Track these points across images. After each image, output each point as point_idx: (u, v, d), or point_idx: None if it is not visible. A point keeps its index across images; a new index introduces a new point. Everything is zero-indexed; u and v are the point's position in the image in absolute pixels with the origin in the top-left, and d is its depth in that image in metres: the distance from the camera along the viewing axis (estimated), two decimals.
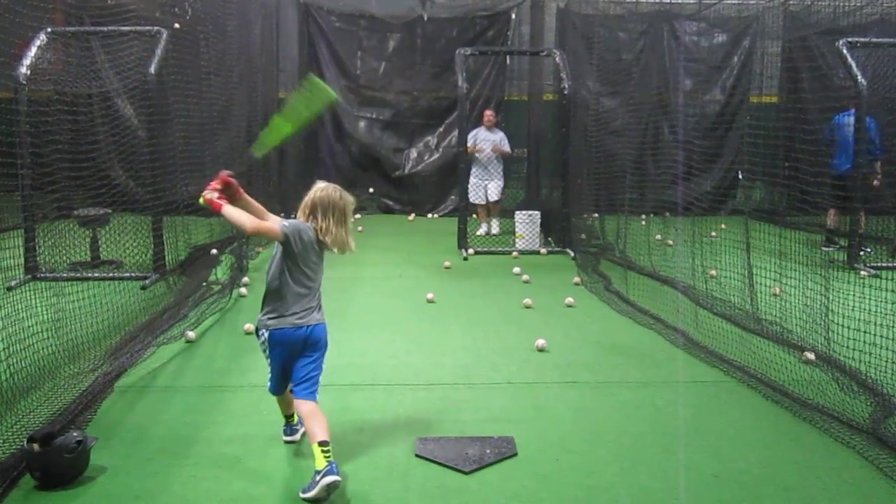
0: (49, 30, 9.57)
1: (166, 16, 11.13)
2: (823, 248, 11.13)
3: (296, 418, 4.80)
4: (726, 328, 7.18)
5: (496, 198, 13.39)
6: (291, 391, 4.53)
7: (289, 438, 4.82)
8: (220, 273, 9.77)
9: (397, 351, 6.82)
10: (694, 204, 10.97)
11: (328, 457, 4.08)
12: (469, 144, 12.58)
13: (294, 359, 4.41)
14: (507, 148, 13.30)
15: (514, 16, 16.36)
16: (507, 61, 16.43)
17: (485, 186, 13.14)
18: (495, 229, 13.49)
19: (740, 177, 14.75)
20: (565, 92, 11.88)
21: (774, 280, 7.50)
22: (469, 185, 12.69)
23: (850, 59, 10.26)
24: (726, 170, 15.74)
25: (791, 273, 7.41)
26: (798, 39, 13.47)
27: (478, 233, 13.07)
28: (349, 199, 4.48)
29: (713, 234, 10.41)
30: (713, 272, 8.71)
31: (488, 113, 13.53)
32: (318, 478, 4.02)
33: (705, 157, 13.88)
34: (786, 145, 11.51)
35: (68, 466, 4.22)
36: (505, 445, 4.75)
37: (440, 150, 16.53)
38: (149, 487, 4.23)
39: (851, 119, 10.54)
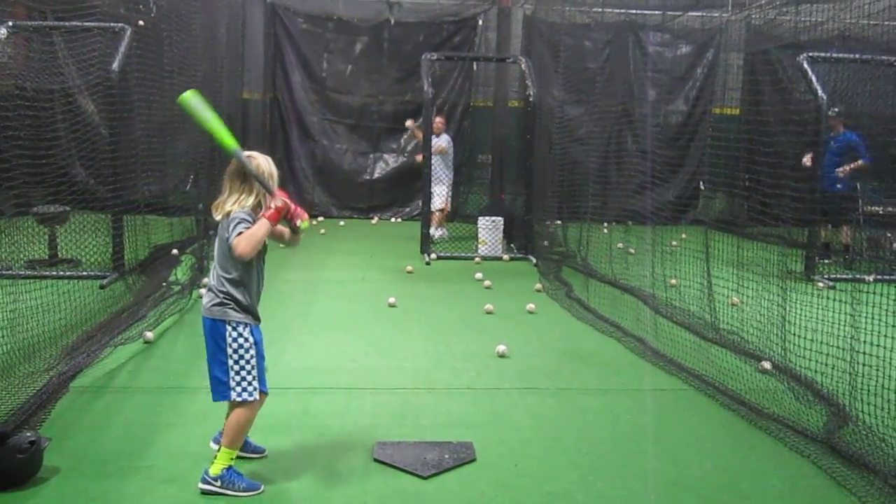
0: (10, 24, 9.44)
1: (131, 13, 11.03)
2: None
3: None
4: (685, 337, 7.25)
5: (439, 206, 13.31)
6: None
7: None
8: (181, 273, 9.69)
9: (358, 354, 6.80)
10: (656, 213, 11.07)
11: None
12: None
13: None
14: (446, 147, 13.26)
15: (481, 22, 16.44)
16: (474, 67, 16.49)
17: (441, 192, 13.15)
18: (438, 233, 13.40)
19: (702, 187, 14.90)
20: (530, 99, 11.95)
21: (733, 290, 7.58)
22: (431, 191, 12.70)
23: (810, 73, 10.41)
24: (688, 180, 15.91)
25: (749, 283, 7.48)
26: (760, 53, 13.65)
27: (434, 235, 13.03)
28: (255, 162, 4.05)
29: (674, 243, 10.51)
30: (673, 281, 8.79)
31: (438, 120, 13.45)
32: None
33: (668, 167, 14.02)
34: (746, 157, 11.64)
35: (21, 467, 4.15)
36: (464, 451, 4.75)
37: (405, 154, 16.53)
38: (103, 490, 4.17)
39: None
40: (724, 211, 13.99)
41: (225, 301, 4.08)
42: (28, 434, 4.28)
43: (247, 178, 4.07)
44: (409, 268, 10.76)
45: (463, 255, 12.02)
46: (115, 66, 9.26)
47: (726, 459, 4.80)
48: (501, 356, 6.83)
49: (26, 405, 5.05)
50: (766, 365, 6.40)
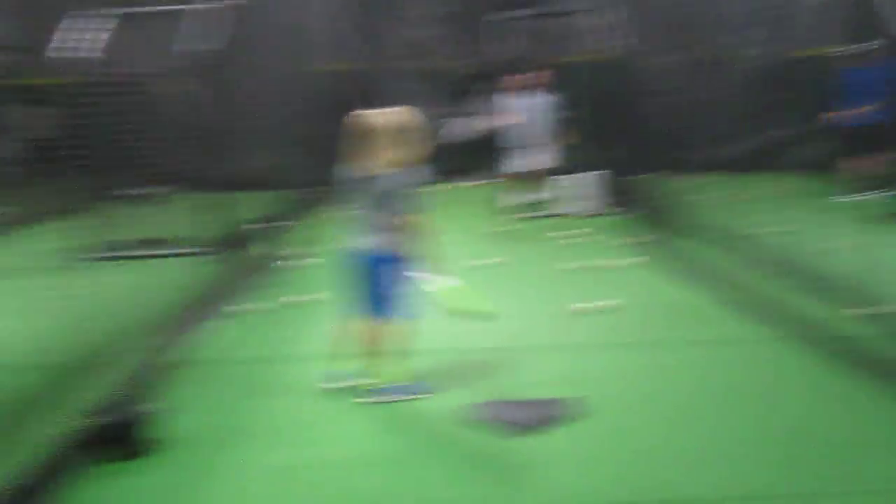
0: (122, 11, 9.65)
1: None
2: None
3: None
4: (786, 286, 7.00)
5: (538, 167, 12.98)
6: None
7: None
8: (274, 246, 9.80)
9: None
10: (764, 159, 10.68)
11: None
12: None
13: None
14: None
15: None
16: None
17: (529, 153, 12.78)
18: (544, 195, 13.11)
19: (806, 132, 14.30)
20: (623, 51, 11.66)
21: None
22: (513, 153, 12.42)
23: None
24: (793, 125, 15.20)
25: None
26: None
27: (524, 200, 12.73)
28: (383, 119, 4.75)
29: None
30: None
31: (526, 77, 13.05)
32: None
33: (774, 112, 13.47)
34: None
35: (140, 437, 4.32)
36: (572, 407, 4.72)
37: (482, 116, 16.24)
38: (224, 460, 4.27)
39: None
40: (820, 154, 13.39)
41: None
42: (147, 405, 4.43)
43: (399, 134, 4.71)
44: (502, 228, 10.69)
45: (559, 212, 11.87)
46: (218, 44, 9.37)
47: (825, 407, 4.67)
48: (600, 311, 6.74)
49: (133, 378, 5.19)
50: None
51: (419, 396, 4.94)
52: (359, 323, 4.94)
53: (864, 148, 11.34)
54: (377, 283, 4.81)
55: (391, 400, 4.88)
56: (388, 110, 4.75)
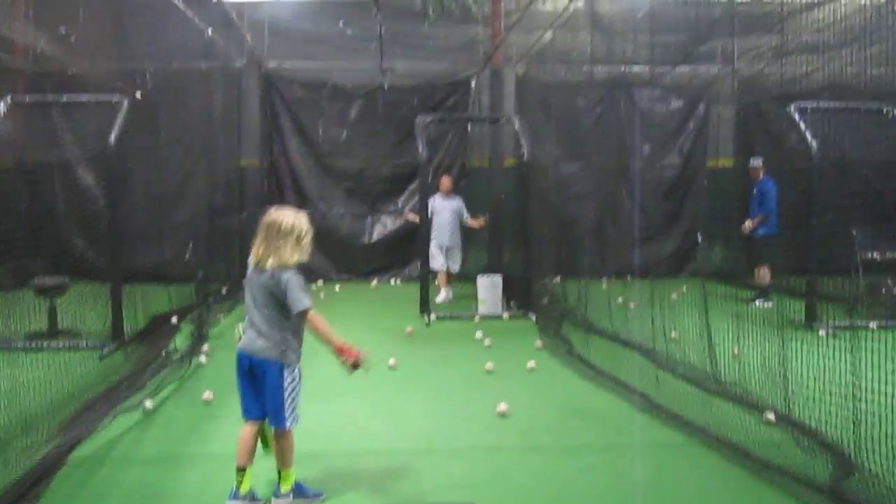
0: (9, 99, 9.55)
1: (127, 86, 11.16)
2: (760, 305, 11.51)
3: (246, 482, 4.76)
4: (688, 390, 7.21)
5: (456, 269, 13.40)
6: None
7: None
8: (180, 341, 9.66)
9: (359, 418, 6.76)
10: (654, 266, 11.10)
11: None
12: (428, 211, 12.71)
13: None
14: (466, 215, 13.35)
15: (473, 84, 16.62)
16: (468, 128, 16.63)
17: (444, 253, 13.14)
18: (450, 296, 13.43)
19: (699, 239, 14.95)
20: (524, 158, 12.03)
21: (734, 341, 7.56)
22: (429, 252, 12.75)
23: (800, 122, 10.51)
24: (686, 232, 15.93)
25: (750, 334, 7.47)
26: (751, 104, 13.78)
27: (437, 299, 13.03)
28: (276, 216, 4.66)
29: (674, 296, 10.51)
30: (674, 334, 8.76)
31: (445, 179, 13.62)
32: None
33: (664, 221, 14.07)
34: (741, 208, 11.77)
35: None
36: None
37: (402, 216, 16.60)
38: None
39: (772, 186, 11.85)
40: (724, 262, 14.01)
41: (283, 347, 4.68)
42: None
43: (287, 235, 4.61)
44: (409, 329, 10.74)
45: (463, 314, 11.99)
46: (112, 138, 9.34)
47: None
48: (503, 415, 6.78)
49: (24, 478, 5.00)
50: (770, 416, 6.35)
51: (313, 501, 4.87)
52: (250, 427, 4.79)
53: (764, 257, 11.99)
54: (263, 388, 4.71)
55: None
56: (285, 209, 4.72)
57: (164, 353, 8.99)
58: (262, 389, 4.70)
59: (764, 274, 12.36)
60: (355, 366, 4.70)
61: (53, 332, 9.87)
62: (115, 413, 6.64)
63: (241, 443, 4.74)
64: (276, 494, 4.78)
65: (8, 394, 6.31)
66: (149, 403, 6.95)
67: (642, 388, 7.36)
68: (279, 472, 4.82)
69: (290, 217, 4.66)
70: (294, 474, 4.84)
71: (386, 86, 16.39)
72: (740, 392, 7.03)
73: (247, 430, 4.76)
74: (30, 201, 9.70)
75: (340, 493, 5.07)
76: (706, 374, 7.57)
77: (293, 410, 4.71)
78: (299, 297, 4.56)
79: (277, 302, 4.61)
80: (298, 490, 4.84)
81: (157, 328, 10.22)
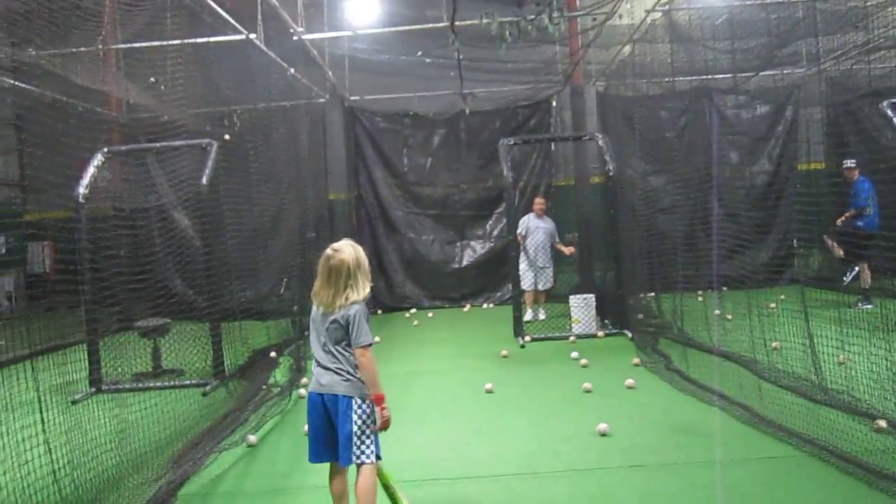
0: (105, 149, 9.91)
1: (216, 128, 11.49)
2: (861, 307, 11.16)
3: None
4: (792, 400, 7.00)
5: (545, 287, 13.40)
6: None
7: None
8: (280, 375, 9.83)
9: (458, 443, 6.76)
10: (750, 276, 10.84)
11: None
12: (519, 232, 12.74)
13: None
14: (556, 237, 13.34)
15: (554, 103, 16.62)
16: (552, 148, 16.61)
17: (534, 274, 13.14)
18: (542, 315, 13.42)
19: (795, 245, 14.57)
20: (610, 174, 11.95)
21: (838, 348, 7.33)
22: (519, 272, 12.75)
23: (895, 119, 10.19)
24: (781, 239, 15.56)
25: (855, 339, 7.23)
26: (841, 104, 13.44)
27: (524, 318, 12.97)
28: (340, 256, 4.55)
29: (772, 305, 10.25)
30: (775, 344, 8.53)
31: (539, 200, 13.64)
32: None
33: (758, 229, 13.76)
34: (837, 210, 11.46)
35: None
36: None
37: (492, 240, 16.63)
38: None
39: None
40: (823, 267, 13.63)
41: (351, 380, 4.57)
42: None
43: (355, 273, 4.56)
44: (504, 352, 10.72)
45: (557, 335, 11.92)
46: (204, 180, 9.60)
47: None
48: (603, 434, 6.70)
49: None
50: (882, 423, 6.13)
51: None
52: (332, 472, 4.76)
53: (864, 255, 11.69)
54: (331, 426, 4.62)
55: None
56: (341, 247, 4.60)
57: (264, 388, 9.16)
58: (335, 424, 4.59)
59: (865, 277, 12.00)
60: (383, 426, 4.61)
61: (158, 371, 10.16)
62: (219, 449, 6.79)
63: (333, 488, 4.75)
64: None
65: (119, 433, 6.52)
66: (252, 438, 7.08)
67: (745, 401, 7.20)
68: None
69: (350, 252, 4.59)
70: None
71: (467, 111, 16.49)
72: (848, 400, 6.80)
73: (332, 475, 4.76)
74: (129, 246, 10.01)
75: None
76: (811, 383, 7.35)
77: (363, 445, 4.54)
78: (365, 332, 4.51)
79: (346, 336, 4.56)
80: None
81: (257, 363, 10.43)
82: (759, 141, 16.02)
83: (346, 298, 4.51)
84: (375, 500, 4.57)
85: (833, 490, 5.18)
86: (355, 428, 4.52)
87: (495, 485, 5.71)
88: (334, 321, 4.54)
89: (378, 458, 4.62)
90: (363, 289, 4.56)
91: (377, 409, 4.55)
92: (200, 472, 6.28)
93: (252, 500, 5.72)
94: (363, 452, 4.53)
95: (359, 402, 4.54)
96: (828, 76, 12.99)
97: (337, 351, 4.57)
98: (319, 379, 4.62)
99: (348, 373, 4.55)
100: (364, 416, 4.55)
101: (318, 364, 4.63)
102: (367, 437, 4.56)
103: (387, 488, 4.73)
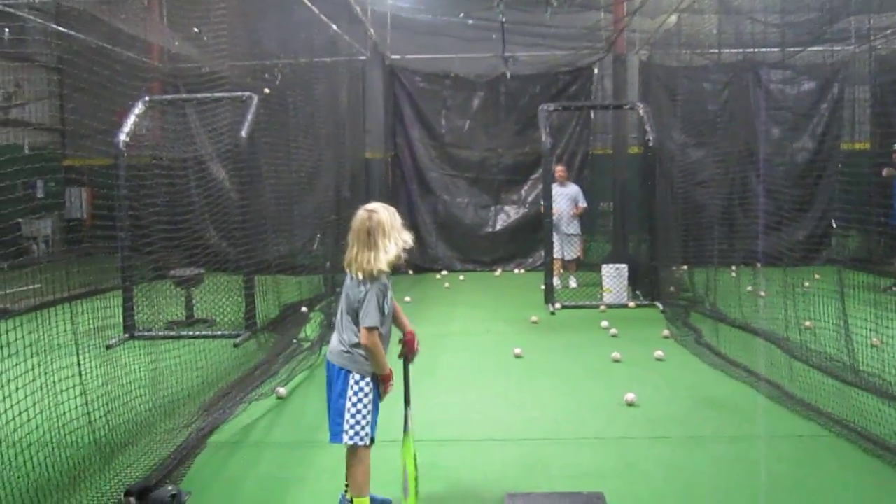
0: (147, 98, 9.97)
1: (257, 81, 11.50)
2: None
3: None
4: (823, 380, 6.96)
5: (571, 257, 13.31)
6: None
7: None
8: (310, 330, 9.92)
9: (485, 406, 6.80)
10: (786, 254, 10.74)
11: None
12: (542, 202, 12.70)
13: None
14: (582, 203, 13.24)
15: (596, 70, 16.45)
16: (591, 115, 16.47)
17: (560, 242, 13.05)
18: (573, 283, 13.36)
19: (833, 226, 14.39)
20: (650, 144, 11.84)
21: (872, 330, 7.26)
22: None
23: None
24: (819, 218, 15.37)
25: (889, 322, 7.16)
26: (889, 83, 13.18)
27: (560, 287, 12.96)
28: (376, 217, 4.28)
29: (807, 284, 10.15)
30: (808, 323, 8.46)
31: (559, 168, 13.52)
32: None
33: (796, 206, 13.59)
34: (880, 192, 11.26)
35: None
36: (594, 501, 4.68)
37: (526, 205, 16.58)
38: None
39: None
40: (860, 249, 13.47)
41: (350, 353, 4.34)
42: (170, 488, 4.45)
43: (388, 232, 4.29)
44: (534, 318, 10.73)
45: (588, 303, 11.90)
46: (243, 132, 9.64)
47: None
48: (630, 404, 6.72)
49: (167, 460, 5.25)
50: None
51: None
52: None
53: None
54: (334, 398, 4.38)
55: None
56: (375, 207, 4.36)
57: (295, 342, 9.25)
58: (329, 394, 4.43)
59: None
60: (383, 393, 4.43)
61: (191, 321, 10.30)
62: (249, 399, 6.88)
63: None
64: None
65: (151, 380, 6.63)
66: (281, 390, 7.17)
67: (774, 378, 7.17)
68: (352, 500, 4.43)
69: (387, 213, 4.35)
70: None
71: (508, 75, 16.38)
72: (880, 383, 6.75)
73: None
74: (167, 196, 10.09)
75: (468, 480, 5.12)
76: (843, 364, 7.30)
77: (356, 425, 4.29)
78: (371, 314, 4.21)
79: (357, 309, 4.31)
80: None
81: (288, 317, 10.53)
82: (803, 117, 15.78)
83: (381, 261, 4.22)
84: (367, 485, 4.40)
85: (860, 472, 5.16)
86: (349, 404, 4.29)
87: (520, 448, 5.75)
88: (356, 289, 4.29)
89: (372, 441, 4.38)
90: (396, 252, 4.28)
91: (386, 384, 4.39)
92: (230, 420, 6.38)
93: (280, 451, 5.80)
94: (357, 433, 4.29)
95: (356, 377, 4.31)
96: (877, 54, 12.72)
97: (347, 320, 4.36)
98: (330, 343, 4.49)
99: (350, 345, 4.32)
100: (361, 395, 4.30)
101: (335, 331, 4.48)
102: (363, 416, 4.31)
103: (410, 466, 4.50)
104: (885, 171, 10.68)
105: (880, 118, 13.56)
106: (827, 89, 15.90)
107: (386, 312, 4.36)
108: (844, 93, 15.63)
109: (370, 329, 4.22)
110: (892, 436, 5.56)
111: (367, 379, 4.34)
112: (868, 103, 13.29)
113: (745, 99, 14.65)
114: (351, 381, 4.31)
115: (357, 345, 4.30)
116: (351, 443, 4.30)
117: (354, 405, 4.30)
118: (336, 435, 4.31)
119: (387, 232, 4.28)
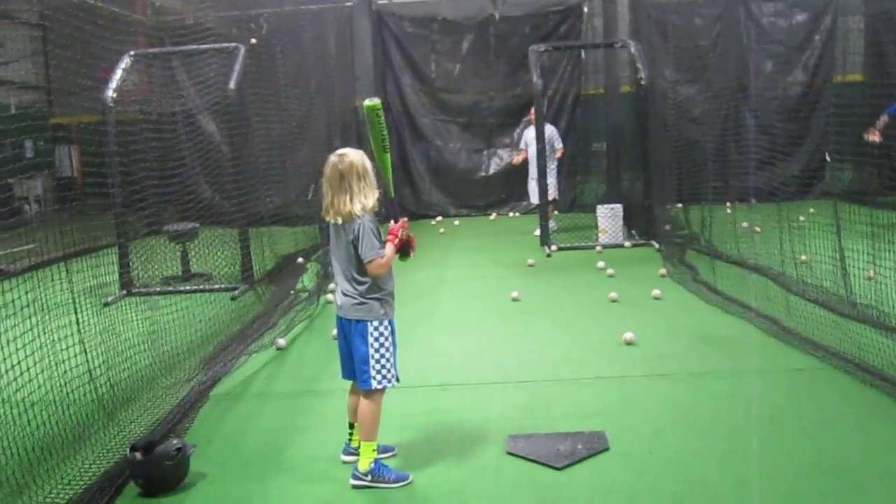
0: (132, 53, 9.84)
1: (242, 32, 11.36)
2: None
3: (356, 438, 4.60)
4: (819, 314, 6.98)
5: (535, 200, 13.04)
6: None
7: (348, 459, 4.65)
8: (307, 280, 9.94)
9: (485, 350, 6.84)
10: (780, 189, 10.72)
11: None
12: (521, 147, 12.64)
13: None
14: (558, 144, 13.09)
15: (586, 9, 16.21)
16: (582, 55, 16.29)
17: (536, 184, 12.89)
18: (553, 226, 13.09)
19: (828, 159, 14.35)
20: (642, 83, 11.75)
21: (868, 262, 7.27)
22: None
23: None
24: (812, 152, 15.30)
25: (885, 255, 7.17)
26: (881, 13, 13.06)
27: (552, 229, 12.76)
28: (347, 160, 4.27)
29: (801, 218, 10.15)
30: (804, 257, 8.47)
31: (532, 111, 13.33)
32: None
33: (790, 141, 13.54)
34: (874, 124, 11.18)
35: (169, 473, 4.34)
36: (597, 440, 4.72)
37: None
38: (248, 492, 4.33)
39: None
40: (854, 181, 13.45)
41: (364, 302, 4.35)
42: (174, 442, 4.47)
43: (364, 176, 4.28)
44: (531, 261, 10.74)
45: (584, 244, 11.90)
46: (231, 84, 9.54)
47: (871, 438, 4.64)
48: (629, 344, 6.75)
49: (170, 414, 5.29)
50: None
51: (394, 486, 4.32)
52: (353, 385, 4.58)
53: None
54: (350, 348, 4.44)
55: (366, 485, 4.31)
56: (346, 151, 4.33)
57: (292, 293, 9.26)
58: (350, 346, 4.44)
59: None
60: (405, 251, 4.49)
61: (187, 275, 10.29)
62: (249, 351, 6.91)
63: (349, 400, 4.63)
64: (354, 474, 4.34)
65: (150, 335, 6.64)
66: (281, 341, 7.20)
67: (771, 313, 7.20)
68: (359, 444, 4.42)
69: (358, 155, 4.34)
70: (376, 452, 4.37)
71: (497, 16, 16.16)
72: (876, 314, 6.78)
73: (351, 388, 4.63)
74: (157, 151, 10.01)
75: (470, 423, 5.16)
76: (839, 297, 7.32)
77: (381, 369, 4.34)
78: (372, 244, 4.23)
79: (356, 253, 4.30)
80: (378, 472, 4.33)
81: (285, 268, 10.53)
82: (795, 50, 15.62)
83: (358, 205, 4.22)
84: (376, 429, 4.38)
85: (857, 402, 5.21)
86: (372, 350, 4.33)
87: (520, 390, 5.79)
88: (346, 234, 4.29)
89: (397, 380, 4.44)
90: (372, 196, 4.28)
91: (397, 244, 4.39)
92: (232, 373, 6.42)
93: (282, 401, 5.84)
94: (384, 377, 4.34)
95: (375, 324, 4.34)
96: None
97: (350, 273, 4.34)
98: (338, 300, 4.46)
99: (361, 295, 4.32)
100: (382, 339, 4.35)
101: (338, 285, 4.46)
102: (387, 359, 4.37)
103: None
104: (868, 136, 10.55)
105: (872, 49, 13.47)
106: (819, 21, 15.72)
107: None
108: (837, 24, 15.46)
109: (376, 259, 4.25)
110: (889, 366, 5.59)
111: (386, 322, 4.39)
112: (861, 34, 13.16)
113: (736, 33, 14.52)
114: (370, 329, 4.35)
115: (367, 289, 4.33)
116: (380, 387, 4.35)
117: (377, 350, 4.36)
118: (364, 382, 4.36)
119: (360, 175, 4.28)
